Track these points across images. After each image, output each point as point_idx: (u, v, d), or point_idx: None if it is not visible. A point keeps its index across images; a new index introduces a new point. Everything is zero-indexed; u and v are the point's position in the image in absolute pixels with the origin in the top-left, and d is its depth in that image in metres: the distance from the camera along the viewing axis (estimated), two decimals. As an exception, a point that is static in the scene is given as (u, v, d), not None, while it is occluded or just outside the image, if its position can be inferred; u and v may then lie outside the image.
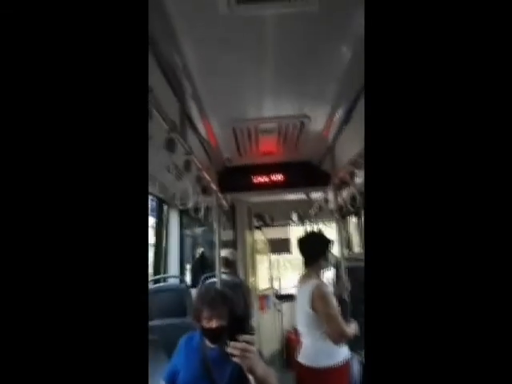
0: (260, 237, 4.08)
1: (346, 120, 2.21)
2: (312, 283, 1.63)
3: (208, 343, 1.39)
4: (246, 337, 1.05)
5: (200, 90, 1.78)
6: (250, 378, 1.12)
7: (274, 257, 4.23)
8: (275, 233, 4.36)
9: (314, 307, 1.59)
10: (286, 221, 4.28)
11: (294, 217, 4.19)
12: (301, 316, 1.66)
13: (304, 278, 1.72)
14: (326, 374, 1.54)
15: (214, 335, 1.34)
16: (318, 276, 1.71)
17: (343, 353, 1.60)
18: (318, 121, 2.35)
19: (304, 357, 1.63)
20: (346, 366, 1.59)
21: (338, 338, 1.57)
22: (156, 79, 1.38)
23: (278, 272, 4.23)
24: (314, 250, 1.74)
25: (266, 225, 4.18)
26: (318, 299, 1.59)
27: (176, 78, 1.51)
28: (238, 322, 1.13)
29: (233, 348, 1.05)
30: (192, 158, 1.61)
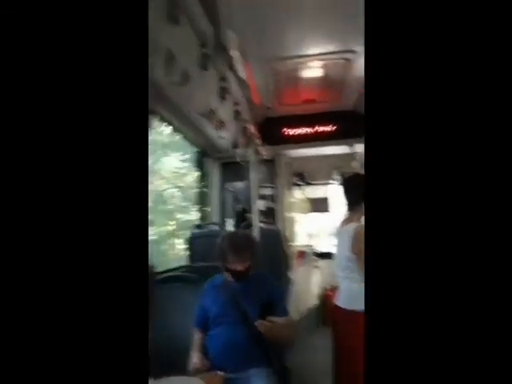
0: (299, 195, 4.01)
1: None
2: (353, 226, 1.55)
3: (231, 279, 1.43)
4: (276, 319, 1.28)
5: (239, 28, 1.67)
6: None
7: (312, 215, 4.16)
8: (314, 191, 4.25)
9: (354, 250, 1.52)
10: (325, 180, 4.15)
11: (335, 175, 4.04)
12: (340, 259, 1.60)
13: (345, 222, 1.64)
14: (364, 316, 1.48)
15: (238, 275, 1.42)
16: (360, 221, 1.62)
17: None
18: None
19: (342, 300, 1.58)
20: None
21: None
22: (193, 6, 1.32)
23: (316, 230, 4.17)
24: (359, 192, 1.63)
25: (306, 183, 4.09)
26: (360, 242, 1.51)
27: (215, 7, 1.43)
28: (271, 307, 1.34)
29: (260, 324, 1.24)
30: (229, 85, 1.53)
